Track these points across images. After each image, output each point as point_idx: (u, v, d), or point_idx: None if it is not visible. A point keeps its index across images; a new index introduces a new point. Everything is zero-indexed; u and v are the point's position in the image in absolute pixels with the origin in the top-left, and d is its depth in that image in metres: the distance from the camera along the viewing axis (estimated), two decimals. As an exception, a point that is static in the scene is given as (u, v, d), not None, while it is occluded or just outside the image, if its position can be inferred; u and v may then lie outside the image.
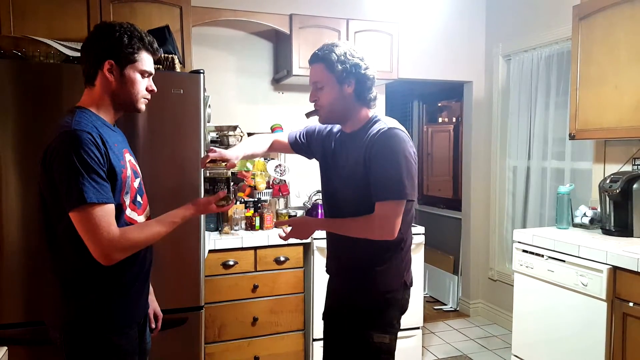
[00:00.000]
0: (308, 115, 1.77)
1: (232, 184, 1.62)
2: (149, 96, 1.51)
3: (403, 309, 1.78)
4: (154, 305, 1.74)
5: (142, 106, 1.50)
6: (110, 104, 1.45)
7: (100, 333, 1.41)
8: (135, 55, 1.42)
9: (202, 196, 1.69)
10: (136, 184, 1.49)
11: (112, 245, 1.30)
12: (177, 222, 1.47)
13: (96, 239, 1.28)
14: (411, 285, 1.79)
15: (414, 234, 3.00)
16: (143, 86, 1.47)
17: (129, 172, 1.44)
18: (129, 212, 1.44)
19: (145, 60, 1.46)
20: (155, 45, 1.49)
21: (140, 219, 1.49)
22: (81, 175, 1.27)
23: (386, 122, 1.65)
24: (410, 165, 1.58)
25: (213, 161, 1.63)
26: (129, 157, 1.49)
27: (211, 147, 1.72)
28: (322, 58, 1.64)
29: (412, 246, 3.11)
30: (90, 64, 1.42)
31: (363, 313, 1.71)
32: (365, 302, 1.72)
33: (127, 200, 1.43)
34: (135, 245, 1.37)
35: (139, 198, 1.50)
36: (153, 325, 1.72)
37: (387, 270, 1.70)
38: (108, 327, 1.42)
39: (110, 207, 1.32)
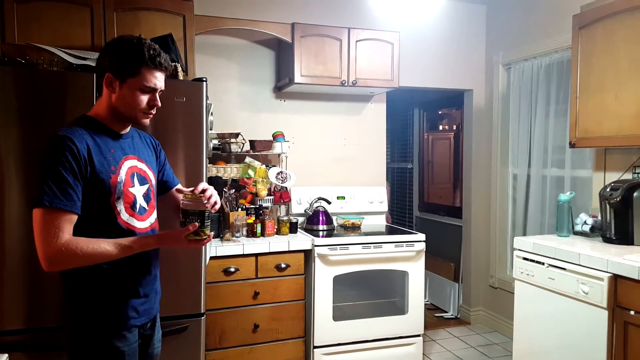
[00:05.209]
0: None
1: (207, 218, 1.44)
2: (152, 111, 1.49)
3: None
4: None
5: (144, 120, 1.50)
6: (113, 115, 1.48)
7: (99, 335, 1.44)
8: (134, 70, 1.42)
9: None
10: (136, 190, 1.49)
11: (52, 250, 1.30)
12: (135, 249, 1.40)
13: (41, 241, 1.31)
14: None
15: (415, 241, 3.05)
16: (142, 101, 1.45)
17: (120, 178, 1.44)
18: (125, 217, 1.45)
19: (147, 76, 1.43)
20: (160, 59, 1.44)
21: (142, 224, 1.50)
22: (47, 179, 1.32)
23: None
24: None
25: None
26: (130, 164, 1.49)
27: None
28: None
29: (412, 253, 3.18)
30: (97, 75, 1.49)
31: None
32: None
33: (120, 206, 1.44)
34: (75, 256, 1.32)
35: (142, 204, 1.51)
36: None
37: None
38: (106, 329, 1.45)
39: (65, 214, 1.32)
